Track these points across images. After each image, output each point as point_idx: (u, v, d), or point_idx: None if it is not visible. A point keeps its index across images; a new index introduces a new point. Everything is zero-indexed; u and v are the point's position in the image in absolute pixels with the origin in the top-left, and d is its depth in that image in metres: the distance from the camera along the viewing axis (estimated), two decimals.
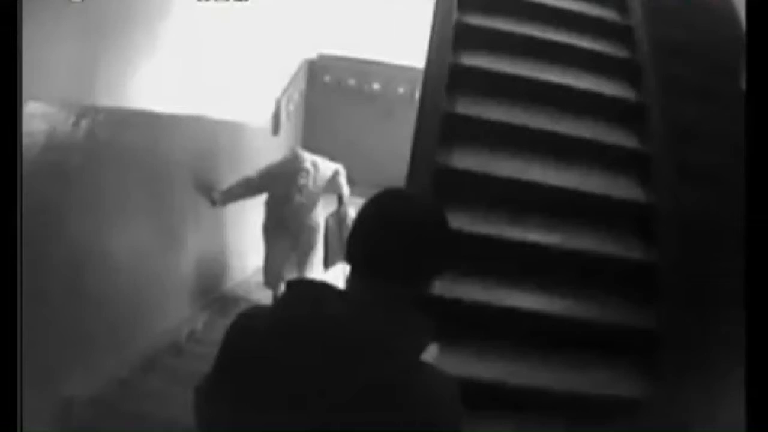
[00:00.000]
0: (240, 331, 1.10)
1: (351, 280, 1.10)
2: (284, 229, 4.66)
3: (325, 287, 1.09)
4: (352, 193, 4.73)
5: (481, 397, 2.02)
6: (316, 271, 4.74)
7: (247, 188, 4.54)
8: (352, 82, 7.71)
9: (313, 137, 7.60)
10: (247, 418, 1.04)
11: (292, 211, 4.59)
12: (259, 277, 5.04)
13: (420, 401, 1.00)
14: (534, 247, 2.27)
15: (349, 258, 1.11)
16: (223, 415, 1.08)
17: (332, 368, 1.00)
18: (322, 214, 4.79)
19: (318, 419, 0.99)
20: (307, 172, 4.54)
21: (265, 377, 1.03)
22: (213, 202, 4.38)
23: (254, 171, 4.55)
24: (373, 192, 1.14)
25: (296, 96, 7.06)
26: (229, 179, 4.44)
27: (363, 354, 1.01)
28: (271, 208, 4.68)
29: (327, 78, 7.66)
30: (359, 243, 1.10)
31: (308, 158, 4.61)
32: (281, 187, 4.55)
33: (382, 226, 1.08)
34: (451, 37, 2.64)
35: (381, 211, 1.10)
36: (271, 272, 4.80)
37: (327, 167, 4.71)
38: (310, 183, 4.57)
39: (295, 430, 1.00)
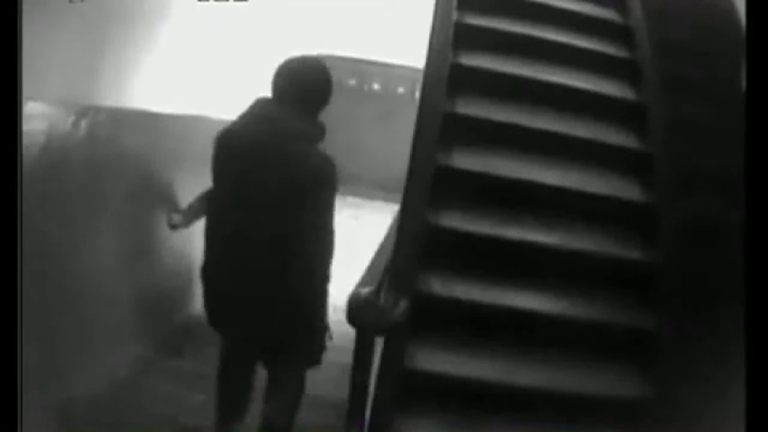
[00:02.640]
0: (215, 142, 2.36)
1: (276, 106, 2.27)
2: None
3: (266, 104, 2.31)
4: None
5: (480, 397, 2.02)
6: None
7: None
8: (352, 82, 7.70)
9: None
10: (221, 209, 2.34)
11: None
12: None
13: (308, 169, 2.16)
14: (534, 246, 2.28)
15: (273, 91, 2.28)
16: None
17: (255, 156, 2.19)
18: None
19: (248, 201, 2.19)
20: None
21: (226, 174, 2.34)
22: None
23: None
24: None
25: None
26: None
27: (272, 143, 2.19)
28: None
29: None
30: (277, 85, 2.31)
31: None
32: None
33: (284, 76, 2.30)
34: (451, 37, 2.64)
35: (283, 68, 2.32)
36: None
37: None
38: None
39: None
